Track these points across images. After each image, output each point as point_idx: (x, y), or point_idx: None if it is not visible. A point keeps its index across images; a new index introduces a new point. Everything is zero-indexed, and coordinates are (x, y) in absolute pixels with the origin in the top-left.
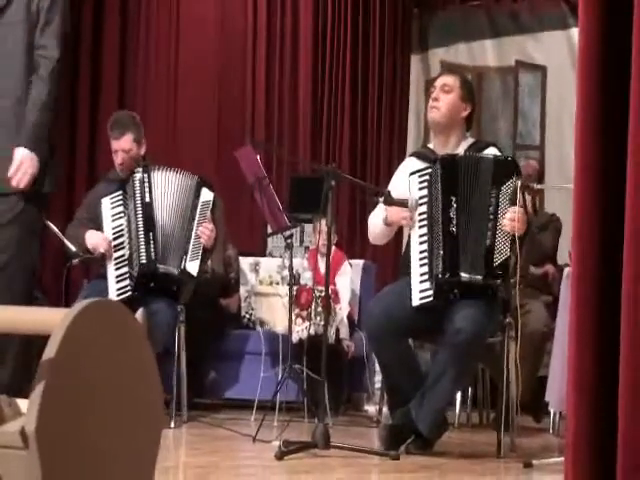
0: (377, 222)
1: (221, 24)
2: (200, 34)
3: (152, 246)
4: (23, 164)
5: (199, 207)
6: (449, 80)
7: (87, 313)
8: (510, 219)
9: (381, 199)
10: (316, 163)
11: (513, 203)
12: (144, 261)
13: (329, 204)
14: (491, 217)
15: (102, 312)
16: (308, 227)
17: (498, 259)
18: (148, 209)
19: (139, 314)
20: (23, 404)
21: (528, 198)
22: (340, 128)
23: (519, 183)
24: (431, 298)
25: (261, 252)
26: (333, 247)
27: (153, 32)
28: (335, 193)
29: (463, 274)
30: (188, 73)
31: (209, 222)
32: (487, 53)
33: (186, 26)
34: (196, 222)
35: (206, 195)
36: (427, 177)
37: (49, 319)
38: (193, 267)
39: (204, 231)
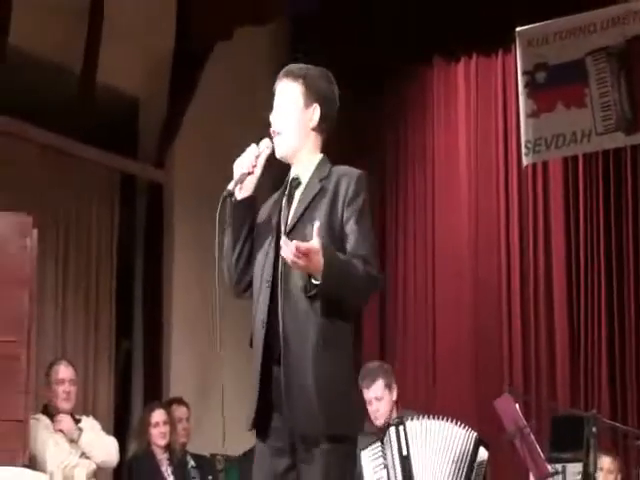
0: None
1: (475, 279)
2: (454, 291)
3: None
4: None
5: (475, 469)
6: None
7: None
8: None
9: None
10: (575, 409)
11: None
12: None
13: (591, 451)
14: None
15: None
16: (571, 467)
17: None
18: (406, 463)
19: None
20: None
21: None
22: (598, 372)
23: None
24: None
25: None
26: None
27: (410, 294)
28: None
29: None
30: (445, 323)
31: None
32: None
33: (441, 280)
34: None
35: (482, 454)
36: None
37: None
38: None
39: None
